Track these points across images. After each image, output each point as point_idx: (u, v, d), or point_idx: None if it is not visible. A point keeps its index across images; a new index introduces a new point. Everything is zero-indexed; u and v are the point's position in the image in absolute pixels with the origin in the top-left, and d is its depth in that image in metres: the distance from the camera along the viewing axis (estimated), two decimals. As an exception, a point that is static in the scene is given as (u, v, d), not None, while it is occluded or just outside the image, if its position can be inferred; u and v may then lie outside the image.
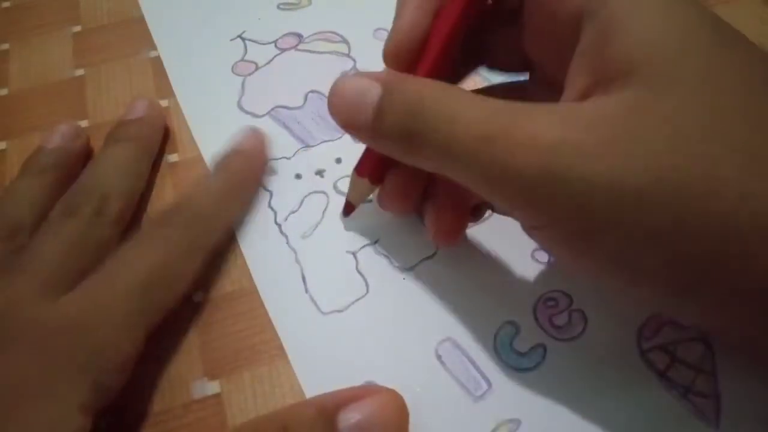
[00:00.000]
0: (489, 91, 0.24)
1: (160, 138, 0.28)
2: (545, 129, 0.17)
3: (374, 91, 0.20)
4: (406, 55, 0.21)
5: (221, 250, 0.25)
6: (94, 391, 0.19)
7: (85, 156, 0.28)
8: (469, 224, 0.25)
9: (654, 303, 0.21)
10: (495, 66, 0.24)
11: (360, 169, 0.24)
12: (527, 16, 0.20)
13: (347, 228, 0.26)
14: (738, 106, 0.16)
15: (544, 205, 0.17)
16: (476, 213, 0.25)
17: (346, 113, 0.21)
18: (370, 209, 0.25)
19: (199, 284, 0.24)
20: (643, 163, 0.16)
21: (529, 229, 0.19)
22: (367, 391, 0.20)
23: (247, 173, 0.26)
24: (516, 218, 0.19)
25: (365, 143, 0.22)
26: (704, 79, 0.16)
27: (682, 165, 0.15)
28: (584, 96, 0.17)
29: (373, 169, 0.23)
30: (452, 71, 0.22)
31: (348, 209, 0.25)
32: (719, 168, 0.15)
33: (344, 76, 0.21)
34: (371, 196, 0.25)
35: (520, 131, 0.17)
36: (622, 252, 0.17)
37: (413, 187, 0.23)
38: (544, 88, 0.22)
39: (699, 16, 0.17)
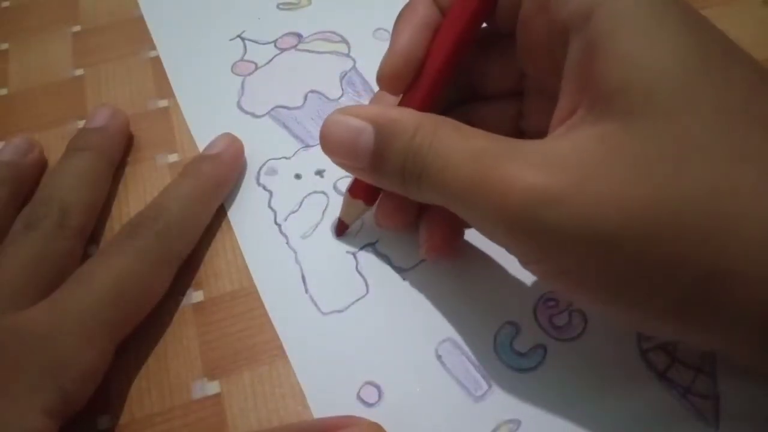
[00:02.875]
0: (489, 107, 0.24)
1: (122, 147, 0.28)
2: (520, 174, 0.17)
3: (367, 134, 0.20)
4: (402, 78, 0.21)
5: (220, 251, 0.25)
6: (60, 397, 0.19)
7: (40, 168, 0.28)
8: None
9: (642, 327, 0.21)
10: (487, 92, 0.24)
11: (353, 191, 0.24)
12: (520, 32, 0.20)
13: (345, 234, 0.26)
14: (711, 137, 0.16)
15: (526, 247, 0.18)
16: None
17: (341, 156, 0.21)
18: (370, 212, 0.25)
19: (199, 284, 0.25)
20: (609, 206, 0.16)
21: (523, 264, 0.19)
22: (349, 421, 0.20)
23: (218, 179, 0.26)
24: (509, 253, 0.19)
25: (365, 181, 0.22)
26: (678, 111, 0.16)
27: (646, 206, 0.15)
28: (572, 113, 0.18)
29: (366, 191, 0.23)
30: (446, 93, 0.22)
31: (341, 228, 0.25)
32: (684, 209, 0.15)
33: (333, 114, 0.21)
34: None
35: (496, 178, 0.17)
36: (601, 289, 0.17)
37: (408, 205, 0.23)
38: (539, 97, 0.22)
39: (686, 33, 0.16)
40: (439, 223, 0.23)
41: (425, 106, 0.21)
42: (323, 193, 0.27)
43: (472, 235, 0.25)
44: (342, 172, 0.27)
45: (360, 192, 0.24)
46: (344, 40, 0.32)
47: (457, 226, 0.23)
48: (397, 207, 0.23)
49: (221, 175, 0.26)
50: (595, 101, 0.17)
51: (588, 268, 0.17)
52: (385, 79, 0.22)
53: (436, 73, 0.21)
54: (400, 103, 0.22)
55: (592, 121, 0.17)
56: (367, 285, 0.24)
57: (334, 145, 0.21)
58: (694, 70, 0.16)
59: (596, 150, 0.16)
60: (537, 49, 0.20)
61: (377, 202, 0.24)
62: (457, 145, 0.18)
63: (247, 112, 0.30)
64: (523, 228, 0.17)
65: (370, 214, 0.25)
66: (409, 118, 0.20)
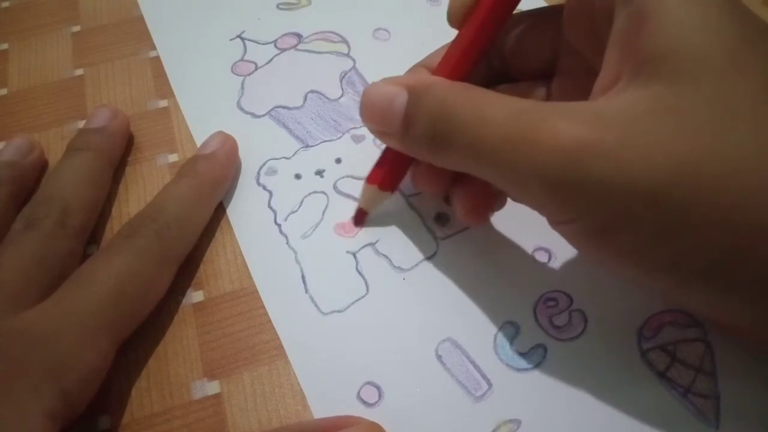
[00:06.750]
0: (518, 88, 0.24)
1: (122, 147, 0.28)
2: (567, 129, 0.17)
3: (401, 98, 0.20)
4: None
5: (221, 251, 0.25)
6: (61, 400, 0.19)
7: (40, 168, 0.28)
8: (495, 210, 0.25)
9: (665, 291, 0.21)
10: (517, 73, 0.24)
11: (371, 178, 0.24)
12: (568, 6, 0.21)
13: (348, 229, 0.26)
14: (758, 101, 0.16)
15: (565, 203, 0.18)
16: (502, 198, 0.25)
17: (376, 122, 0.21)
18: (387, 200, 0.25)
19: (199, 284, 0.25)
20: (659, 158, 0.16)
21: (553, 224, 0.19)
22: (348, 420, 0.21)
23: (215, 177, 0.26)
24: (540, 213, 0.19)
25: (396, 149, 0.22)
26: (724, 77, 0.16)
27: (697, 159, 0.16)
28: (614, 82, 0.18)
29: (383, 177, 0.24)
30: (478, 71, 0.23)
31: (359, 217, 0.25)
32: (732, 164, 0.15)
33: (374, 83, 0.21)
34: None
35: (543, 132, 0.17)
36: (639, 247, 0.17)
37: (442, 171, 0.23)
38: (572, 76, 0.23)
39: (729, 9, 0.17)
40: (475, 189, 0.23)
41: (458, 78, 0.21)
42: (323, 193, 0.27)
43: (472, 235, 0.25)
44: (342, 172, 0.27)
45: (377, 178, 0.24)
46: (344, 40, 0.32)
47: (491, 193, 0.23)
48: (431, 170, 0.23)
49: (217, 173, 0.26)
50: (641, 67, 0.17)
51: (627, 224, 0.17)
52: (455, 16, 0.22)
53: (470, 44, 0.21)
54: (434, 74, 0.22)
55: (639, 85, 0.17)
56: (367, 285, 0.24)
57: (370, 110, 0.21)
58: (740, 39, 0.16)
59: (645, 108, 0.16)
60: (582, 16, 0.20)
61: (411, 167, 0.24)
62: (493, 104, 0.19)
63: (247, 112, 0.30)
64: (566, 181, 0.17)
65: (385, 204, 0.25)
66: (442, 82, 0.20)
